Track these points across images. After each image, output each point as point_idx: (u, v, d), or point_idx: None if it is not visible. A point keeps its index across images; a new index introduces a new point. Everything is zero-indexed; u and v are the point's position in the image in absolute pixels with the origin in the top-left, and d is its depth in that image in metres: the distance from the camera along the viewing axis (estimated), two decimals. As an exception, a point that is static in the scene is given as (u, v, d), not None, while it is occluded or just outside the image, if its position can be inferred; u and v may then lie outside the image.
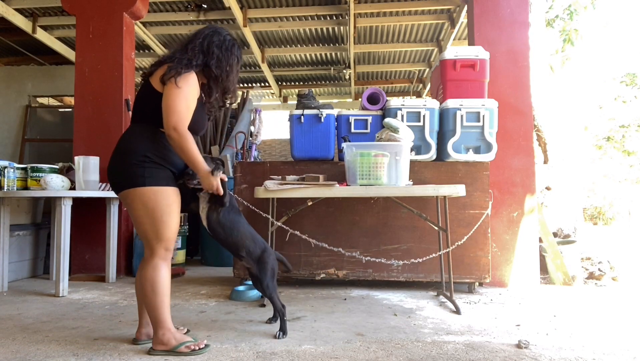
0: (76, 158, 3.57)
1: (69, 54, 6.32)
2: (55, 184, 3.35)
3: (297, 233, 3.10)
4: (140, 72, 2.23)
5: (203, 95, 2.21)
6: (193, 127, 2.08)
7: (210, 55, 2.13)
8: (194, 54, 2.11)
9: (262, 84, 8.08)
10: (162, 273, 2.08)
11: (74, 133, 4.22)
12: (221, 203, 2.21)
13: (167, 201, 2.06)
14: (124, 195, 2.08)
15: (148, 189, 2.02)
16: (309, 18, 5.64)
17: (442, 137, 3.53)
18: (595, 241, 6.80)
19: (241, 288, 3.33)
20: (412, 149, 3.31)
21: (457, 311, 2.82)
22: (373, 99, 3.62)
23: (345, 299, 3.20)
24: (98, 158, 3.66)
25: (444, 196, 2.98)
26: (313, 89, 8.24)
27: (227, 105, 2.31)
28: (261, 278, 2.37)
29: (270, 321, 2.58)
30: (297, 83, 8.24)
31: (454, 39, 5.94)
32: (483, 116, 3.41)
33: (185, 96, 2.01)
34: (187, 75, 2.03)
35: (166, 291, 2.08)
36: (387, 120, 3.13)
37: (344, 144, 3.07)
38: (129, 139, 2.12)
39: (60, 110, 6.98)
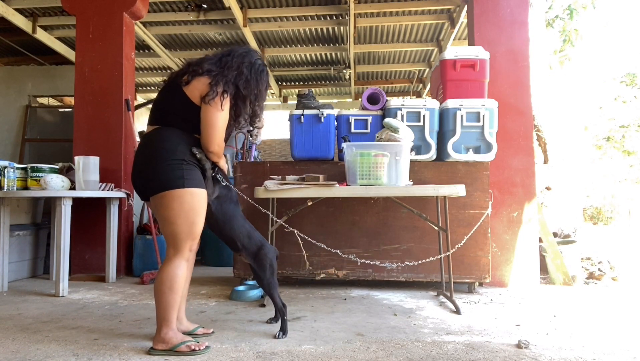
0: (76, 158, 3.57)
1: (69, 54, 6.32)
2: (55, 184, 3.35)
3: (296, 231, 3.09)
4: (169, 72, 2.30)
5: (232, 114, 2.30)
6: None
7: (240, 74, 2.20)
8: (230, 72, 2.17)
9: (262, 84, 8.07)
10: (183, 272, 2.11)
11: (74, 133, 4.22)
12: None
13: (201, 202, 2.13)
14: (160, 196, 2.10)
15: (186, 190, 2.08)
16: (309, 18, 5.64)
17: (442, 137, 3.53)
18: (595, 241, 6.81)
19: (241, 288, 3.33)
20: (412, 149, 3.31)
21: (457, 311, 2.82)
22: (373, 99, 3.62)
23: (345, 299, 3.20)
24: (98, 158, 3.66)
25: (444, 196, 2.98)
26: (313, 89, 8.24)
27: (255, 128, 2.42)
28: (259, 275, 2.38)
29: (271, 321, 2.58)
30: (297, 83, 8.24)
31: (454, 39, 5.93)
32: (483, 116, 3.41)
33: (225, 118, 2.17)
34: (228, 99, 2.16)
35: (181, 292, 2.12)
36: (387, 120, 3.13)
37: (344, 144, 3.07)
38: (164, 144, 2.14)
39: (60, 110, 6.97)
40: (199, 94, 2.12)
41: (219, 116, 2.11)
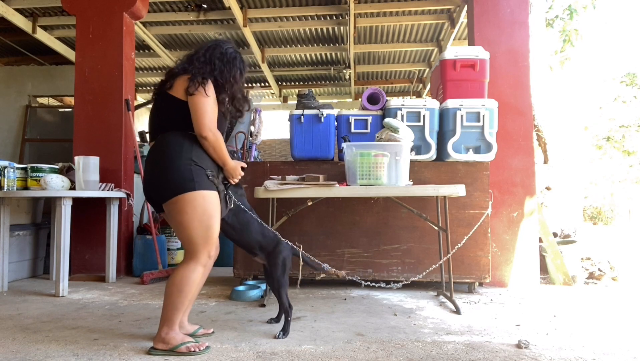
0: (76, 158, 3.57)
1: (69, 54, 6.32)
2: (55, 184, 3.35)
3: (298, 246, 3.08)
4: (153, 88, 2.29)
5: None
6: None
7: (213, 66, 2.20)
8: (200, 66, 2.18)
9: (262, 84, 8.08)
10: (196, 277, 2.10)
11: (74, 133, 4.22)
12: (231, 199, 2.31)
13: (214, 205, 2.11)
14: (174, 201, 2.07)
15: (198, 193, 2.06)
16: (309, 18, 5.64)
17: (442, 137, 3.53)
18: (595, 241, 6.81)
19: (241, 288, 3.33)
20: (412, 149, 3.31)
21: (457, 311, 2.82)
22: (373, 99, 3.62)
23: (345, 299, 3.20)
24: (98, 158, 3.66)
25: (444, 196, 2.98)
26: (313, 89, 8.24)
27: (244, 113, 2.39)
28: (271, 271, 2.39)
29: (271, 321, 2.57)
30: (297, 83, 8.24)
31: (454, 39, 5.94)
32: (483, 116, 3.41)
33: (212, 102, 2.13)
34: (210, 84, 2.15)
35: (190, 296, 2.11)
36: (387, 120, 3.12)
37: (344, 144, 3.07)
38: (169, 147, 2.13)
39: (60, 110, 6.97)
40: (182, 90, 2.12)
41: (204, 101, 2.09)
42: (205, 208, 2.08)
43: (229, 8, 5.04)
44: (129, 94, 4.31)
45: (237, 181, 2.32)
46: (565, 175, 4.72)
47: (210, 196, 2.10)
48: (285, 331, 2.32)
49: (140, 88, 8.39)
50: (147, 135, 2.35)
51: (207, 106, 2.10)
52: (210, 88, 2.13)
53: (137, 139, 4.58)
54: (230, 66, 2.25)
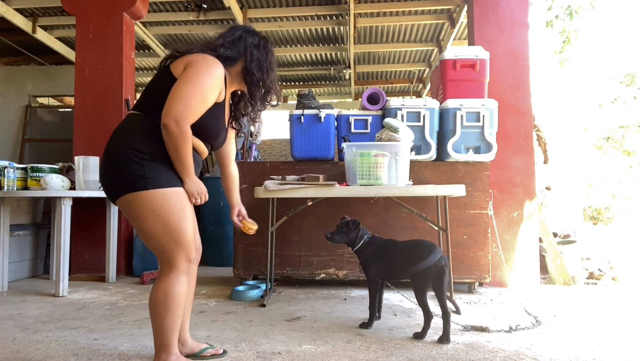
0: (76, 158, 3.57)
1: (69, 54, 6.32)
2: (55, 184, 3.35)
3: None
4: (162, 60, 1.88)
5: (244, 104, 2.05)
6: (204, 134, 1.83)
7: (250, 57, 1.90)
8: (225, 48, 1.88)
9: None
10: (182, 289, 1.75)
11: (74, 133, 4.22)
12: None
13: (179, 203, 1.74)
14: (124, 203, 1.74)
15: (155, 192, 1.69)
16: (309, 18, 5.64)
17: (442, 137, 3.53)
18: (595, 241, 6.79)
19: (241, 288, 3.33)
20: (412, 149, 3.31)
21: (457, 311, 2.82)
22: (373, 99, 3.62)
23: (345, 299, 3.20)
24: (98, 158, 3.66)
25: (444, 196, 2.98)
26: (313, 89, 8.24)
27: (271, 106, 2.10)
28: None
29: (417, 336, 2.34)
30: (297, 83, 8.24)
31: (454, 39, 5.94)
32: (483, 116, 3.41)
33: (201, 86, 1.71)
34: (212, 62, 1.77)
35: (181, 311, 1.77)
36: (387, 120, 3.13)
37: (344, 144, 3.07)
38: (123, 131, 1.79)
39: (60, 110, 6.98)
40: (183, 66, 1.74)
41: (192, 79, 1.69)
42: (169, 208, 1.71)
43: (229, 8, 5.05)
44: (129, 94, 4.31)
45: (199, 202, 1.81)
46: (565, 175, 4.72)
47: (171, 194, 1.72)
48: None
49: (140, 88, 8.37)
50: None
51: (190, 87, 1.68)
52: (207, 66, 1.75)
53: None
54: (266, 52, 1.97)
